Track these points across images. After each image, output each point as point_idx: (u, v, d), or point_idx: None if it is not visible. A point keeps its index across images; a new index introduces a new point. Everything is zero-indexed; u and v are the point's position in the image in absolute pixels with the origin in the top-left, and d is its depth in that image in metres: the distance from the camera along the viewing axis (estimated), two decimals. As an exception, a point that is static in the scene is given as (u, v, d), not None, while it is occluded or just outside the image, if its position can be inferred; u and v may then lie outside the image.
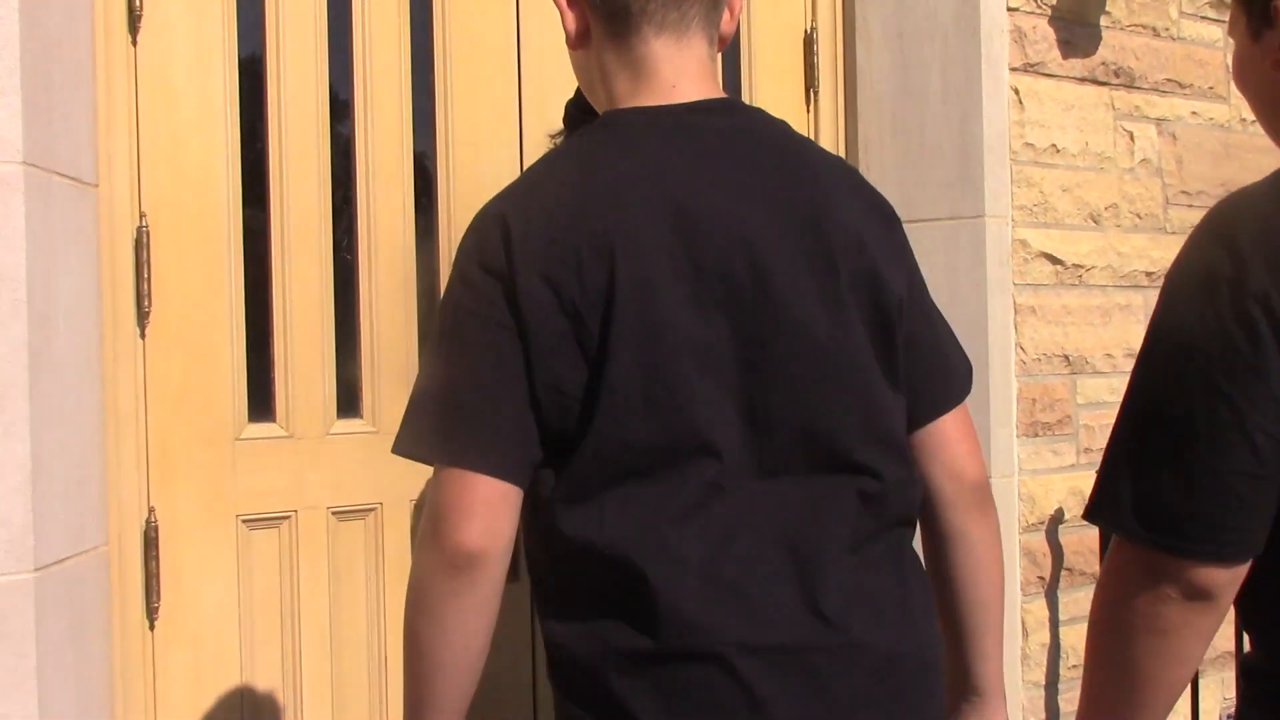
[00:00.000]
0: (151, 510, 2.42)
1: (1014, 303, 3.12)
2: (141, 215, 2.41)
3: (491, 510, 1.32)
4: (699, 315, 1.37)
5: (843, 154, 3.22)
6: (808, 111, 3.20)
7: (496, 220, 1.39)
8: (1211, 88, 3.53)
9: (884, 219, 1.50)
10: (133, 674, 2.40)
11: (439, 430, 1.35)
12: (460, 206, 2.75)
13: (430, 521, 1.34)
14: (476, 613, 1.35)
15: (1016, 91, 3.13)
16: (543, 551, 1.41)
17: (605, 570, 1.36)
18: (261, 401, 2.58)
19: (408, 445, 1.38)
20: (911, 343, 1.49)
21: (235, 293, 2.52)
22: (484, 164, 2.77)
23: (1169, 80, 3.43)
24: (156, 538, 2.42)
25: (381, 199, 2.67)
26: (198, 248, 2.48)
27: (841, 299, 1.41)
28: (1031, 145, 3.15)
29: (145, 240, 2.41)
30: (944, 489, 1.54)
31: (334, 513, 2.62)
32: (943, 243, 3.11)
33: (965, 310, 3.08)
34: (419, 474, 2.68)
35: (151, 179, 2.43)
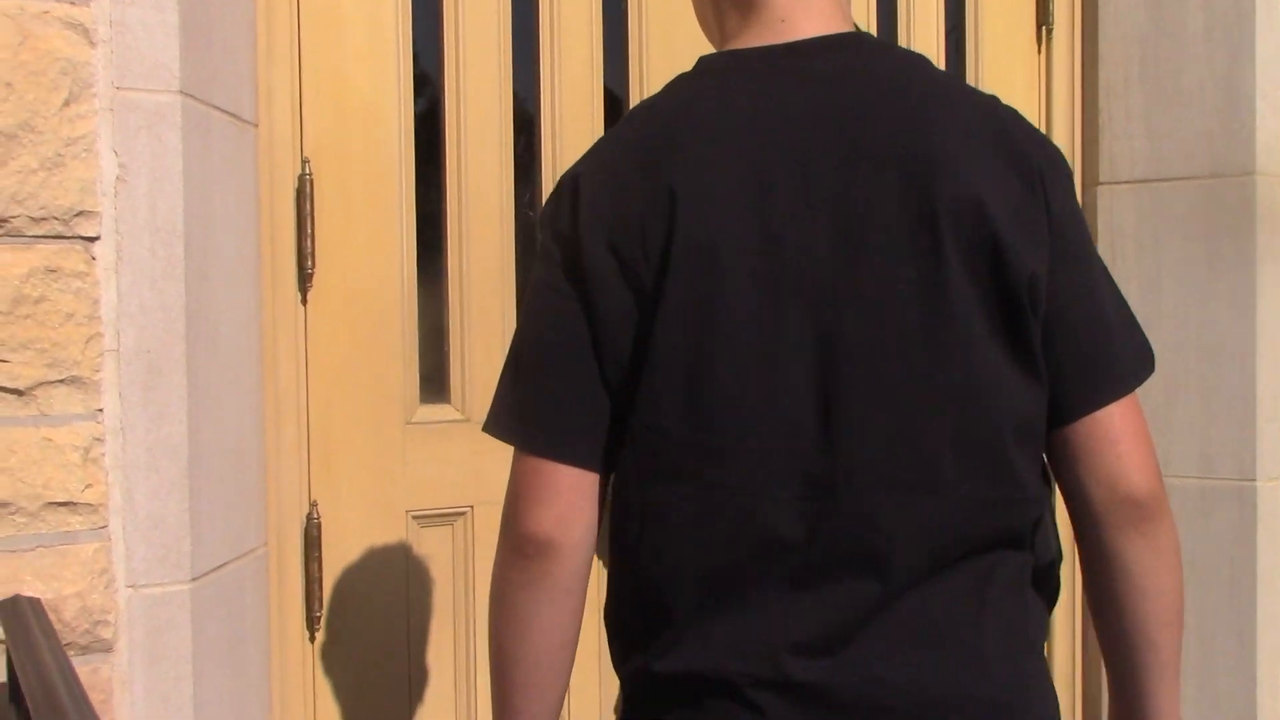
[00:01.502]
0: (314, 505, 2.09)
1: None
2: (304, 161, 2.08)
3: (563, 498, 1.23)
4: (764, 294, 1.17)
5: (1078, 101, 2.80)
6: (1039, 52, 2.78)
7: (570, 183, 1.26)
8: None
9: (1025, 175, 1.21)
10: (291, 692, 2.08)
11: (512, 411, 1.26)
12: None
13: (506, 508, 1.27)
14: (551, 605, 1.25)
15: (1293, 28, 2.67)
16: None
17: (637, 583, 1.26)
18: (434, 380, 2.24)
19: (490, 425, 1.30)
20: (1058, 323, 1.23)
21: (407, 254, 2.18)
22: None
23: None
24: (319, 537, 2.09)
25: (570, 146, 2.31)
26: (365, 200, 2.14)
27: (946, 279, 1.18)
28: (1308, 91, 2.70)
29: (309, 190, 2.07)
30: (1093, 500, 1.24)
31: (513, 509, 2.27)
32: (1201, 204, 2.67)
33: (1227, 284, 2.65)
34: (609, 465, 2.32)
35: (314, 119, 2.10)
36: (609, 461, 1.25)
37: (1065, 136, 2.79)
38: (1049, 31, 2.78)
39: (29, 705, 1.23)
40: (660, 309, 1.19)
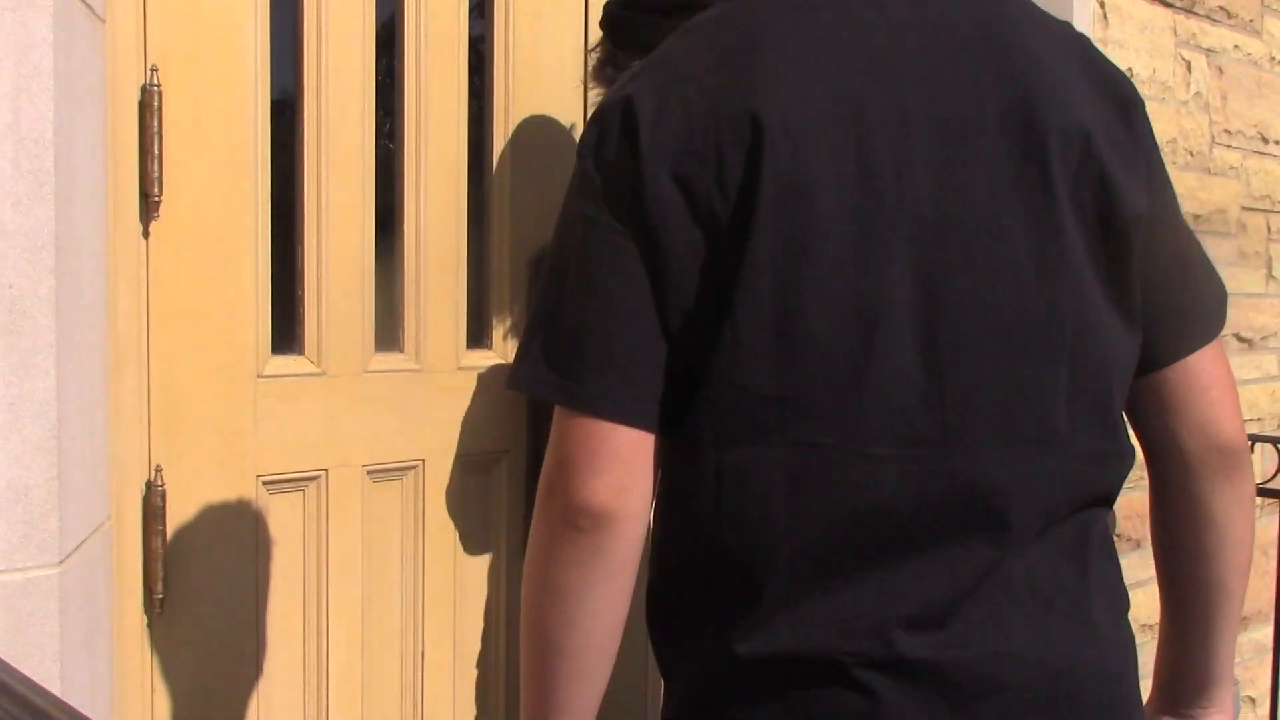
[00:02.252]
0: (157, 471, 1.81)
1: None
2: (152, 69, 1.77)
3: (621, 462, 1.07)
4: (861, 232, 1.07)
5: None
6: None
7: (621, 105, 1.10)
8: (1251, 20, 3.31)
9: (1120, 106, 1.17)
10: (129, 683, 1.79)
11: (557, 366, 1.10)
12: (520, 85, 2.20)
13: (549, 475, 1.10)
14: (606, 584, 1.10)
15: (1102, 5, 2.80)
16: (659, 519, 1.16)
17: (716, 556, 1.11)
18: (285, 329, 1.99)
19: (524, 381, 1.12)
20: (1152, 265, 1.18)
21: (261, 183, 1.91)
22: (545, 40, 2.23)
23: (1220, 8, 3.18)
24: (164, 507, 1.81)
25: (436, 69, 2.10)
26: (217, 119, 1.85)
27: (1057, 215, 1.10)
28: (1111, 67, 2.84)
29: (157, 103, 1.77)
30: (1185, 447, 1.22)
31: (369, 472, 2.06)
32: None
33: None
34: (474, 423, 2.15)
35: (162, 19, 1.79)
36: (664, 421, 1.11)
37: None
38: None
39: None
40: (745, 251, 1.05)
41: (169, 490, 1.81)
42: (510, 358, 2.22)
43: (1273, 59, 3.38)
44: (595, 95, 2.11)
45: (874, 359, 1.05)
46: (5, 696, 0.92)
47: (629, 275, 1.07)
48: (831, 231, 1.05)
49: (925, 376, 1.07)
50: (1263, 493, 2.44)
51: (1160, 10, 2.98)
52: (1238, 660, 3.33)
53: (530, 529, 1.12)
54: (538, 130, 2.23)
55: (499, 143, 2.20)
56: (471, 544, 2.19)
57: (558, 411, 1.10)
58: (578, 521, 1.07)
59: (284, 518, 1.97)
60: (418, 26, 2.08)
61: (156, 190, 1.78)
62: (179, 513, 1.83)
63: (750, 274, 1.04)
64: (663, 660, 1.17)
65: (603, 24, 2.02)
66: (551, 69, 2.24)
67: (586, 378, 1.07)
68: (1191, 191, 3.14)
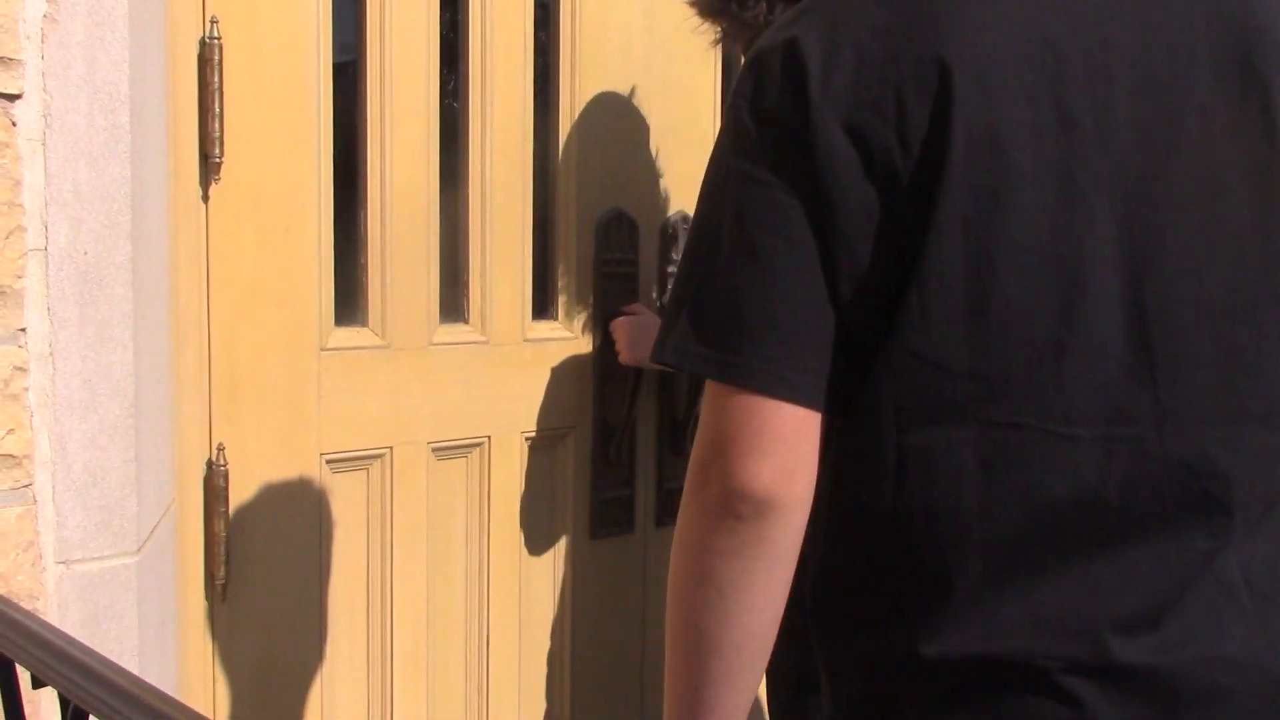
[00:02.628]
0: (219, 450, 1.70)
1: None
2: (212, 21, 1.66)
3: (785, 443, 0.98)
4: (1061, 190, 0.97)
5: None
6: None
7: (784, 49, 0.99)
8: None
9: None
10: (193, 671, 1.70)
11: (713, 338, 1.00)
12: (586, 42, 2.09)
13: (705, 458, 1.00)
14: (766, 576, 1.00)
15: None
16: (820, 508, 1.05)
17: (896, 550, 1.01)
18: (349, 300, 1.88)
19: (673, 353, 1.02)
20: None
21: (324, 147, 1.80)
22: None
23: None
24: (226, 488, 1.71)
25: (501, 27, 1.98)
26: (279, 77, 1.74)
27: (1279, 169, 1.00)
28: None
29: (217, 56, 1.66)
30: None
31: (435, 449, 1.96)
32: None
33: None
34: (539, 398, 2.05)
35: (222, -30, 1.68)
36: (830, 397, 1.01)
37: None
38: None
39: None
40: (932, 211, 0.95)
41: (231, 470, 1.71)
42: (576, 329, 2.11)
43: None
44: (710, 34, 1.98)
45: (1076, 329, 0.95)
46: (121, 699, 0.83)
47: (795, 237, 0.96)
48: (1028, 189, 0.95)
49: (1132, 348, 0.97)
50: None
51: None
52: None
53: (680, 516, 1.02)
54: (603, 90, 2.12)
55: (564, 103, 2.08)
56: (537, 525, 2.10)
57: (712, 388, 1.00)
58: (738, 508, 0.98)
59: (348, 497, 1.87)
60: (483, -22, 1.97)
61: (217, 151, 1.66)
62: (240, 493, 1.73)
63: (939, 236, 0.94)
64: (827, 657, 1.08)
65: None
66: (618, 26, 2.13)
67: (746, 350, 0.97)
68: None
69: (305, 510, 1.81)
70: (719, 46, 1.94)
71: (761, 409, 0.97)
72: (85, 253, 1.27)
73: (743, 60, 1.89)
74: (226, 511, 1.70)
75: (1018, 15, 0.97)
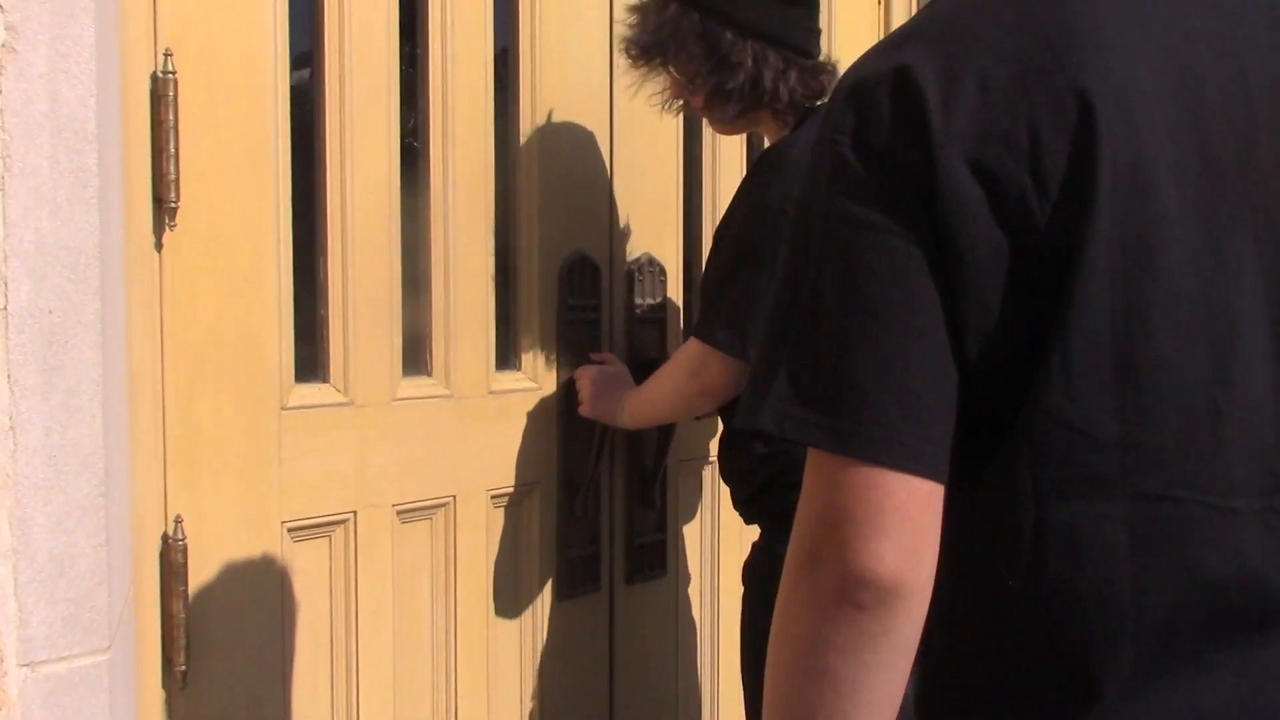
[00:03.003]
0: (178, 522, 1.55)
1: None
2: (165, 53, 1.52)
3: (911, 522, 0.88)
4: (1208, 234, 0.90)
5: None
6: (878, 4, 2.63)
7: (894, 79, 0.90)
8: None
9: None
10: (146, 776, 1.53)
11: (823, 402, 0.89)
12: (547, 78, 1.99)
13: (813, 539, 0.89)
14: (889, 671, 0.89)
15: None
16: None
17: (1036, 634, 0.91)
18: (309, 354, 1.74)
19: (772, 419, 0.91)
20: None
21: (283, 188, 1.67)
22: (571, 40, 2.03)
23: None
24: (185, 564, 1.55)
25: (462, 57, 1.87)
26: (235, 113, 1.60)
27: None
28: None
29: (172, 92, 1.52)
30: None
31: (400, 512, 1.82)
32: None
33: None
34: (505, 453, 1.93)
35: (174, -1, 1.54)
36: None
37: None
38: (888, -18, 2.65)
39: None
40: (1076, 259, 0.86)
41: (190, 544, 1.56)
42: (541, 379, 2.00)
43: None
44: (638, 79, 1.89)
45: (1232, 389, 0.88)
46: None
47: (916, 288, 0.87)
48: (1177, 235, 0.87)
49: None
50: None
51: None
52: None
53: (782, 603, 0.91)
54: (565, 128, 2.02)
55: (525, 141, 1.98)
56: (504, 588, 1.97)
57: (822, 460, 0.89)
58: (858, 597, 0.87)
59: (310, 568, 1.72)
60: (443, 13, 1.85)
61: (173, 194, 1.52)
62: (200, 571, 1.58)
63: (1084, 286, 0.85)
64: None
65: None
66: (579, 62, 2.03)
67: (865, 416, 0.87)
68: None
69: (267, 586, 1.66)
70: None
71: (884, 483, 0.87)
72: (49, 312, 1.12)
73: (827, 92, 1.82)
74: (186, 591, 1.55)
75: (1157, 42, 0.90)
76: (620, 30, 2.02)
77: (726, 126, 1.92)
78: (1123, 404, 0.87)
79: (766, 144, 1.94)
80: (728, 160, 2.28)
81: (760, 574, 1.85)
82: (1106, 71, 0.87)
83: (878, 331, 0.87)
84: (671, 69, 1.85)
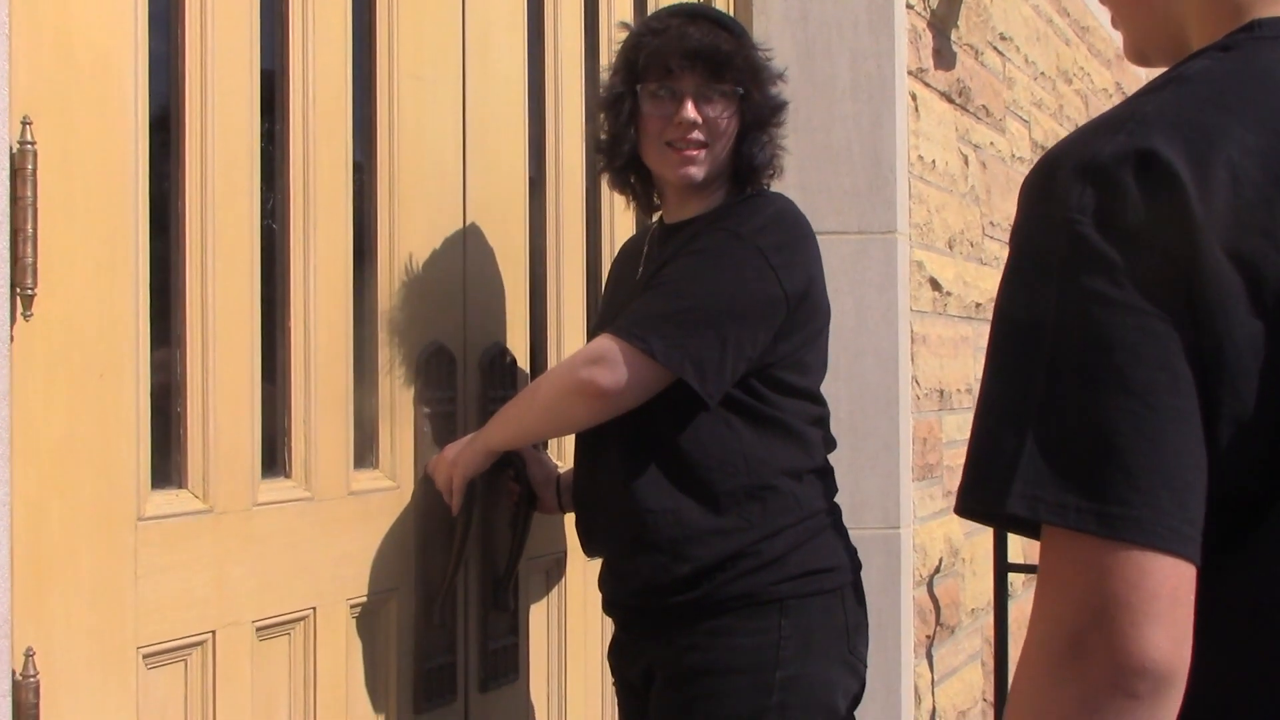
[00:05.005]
0: (29, 656, 1.34)
1: (911, 331, 2.81)
2: (23, 121, 1.34)
3: (1182, 607, 0.87)
4: None
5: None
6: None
7: (1139, 161, 0.89)
8: (1001, 119, 3.48)
9: None
10: None
11: (1078, 482, 0.87)
12: (405, 158, 1.89)
13: (1080, 627, 0.86)
14: None
15: (914, 98, 2.84)
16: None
17: None
18: (164, 456, 1.56)
19: (1023, 502, 0.87)
20: None
21: (141, 273, 1.50)
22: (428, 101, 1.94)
23: (982, 106, 3.33)
24: (37, 705, 1.34)
25: (323, 133, 1.76)
26: (95, 189, 1.43)
27: None
28: (921, 158, 2.88)
29: (31, 165, 1.34)
30: None
31: (259, 629, 1.65)
32: (851, 259, 2.72)
33: (872, 339, 2.72)
34: (364, 559, 1.80)
35: (31, 61, 1.37)
36: None
37: (722, 182, 2.70)
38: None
39: None
40: None
41: (42, 681, 1.35)
42: (399, 477, 1.87)
43: (1014, 156, 3.58)
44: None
45: None
46: None
47: (1179, 372, 0.86)
48: None
49: None
50: None
51: (945, 106, 3.06)
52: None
53: (1037, 701, 0.87)
54: (422, 212, 1.92)
55: (382, 219, 1.87)
56: (363, 706, 1.82)
57: (1080, 544, 0.86)
58: (1135, 687, 0.84)
59: (166, 696, 1.53)
60: (304, 86, 1.73)
61: (30, 281, 1.34)
62: (54, 710, 1.37)
63: None
64: None
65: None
66: (434, 143, 1.95)
67: (1132, 499, 0.84)
68: (973, 281, 3.23)
69: (124, 713, 1.46)
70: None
71: (1157, 569, 0.85)
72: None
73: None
74: (37, 736, 1.34)
75: None
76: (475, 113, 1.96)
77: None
78: None
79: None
80: (570, 246, 2.24)
81: (720, 670, 1.77)
82: None
83: (1142, 413, 0.85)
84: None
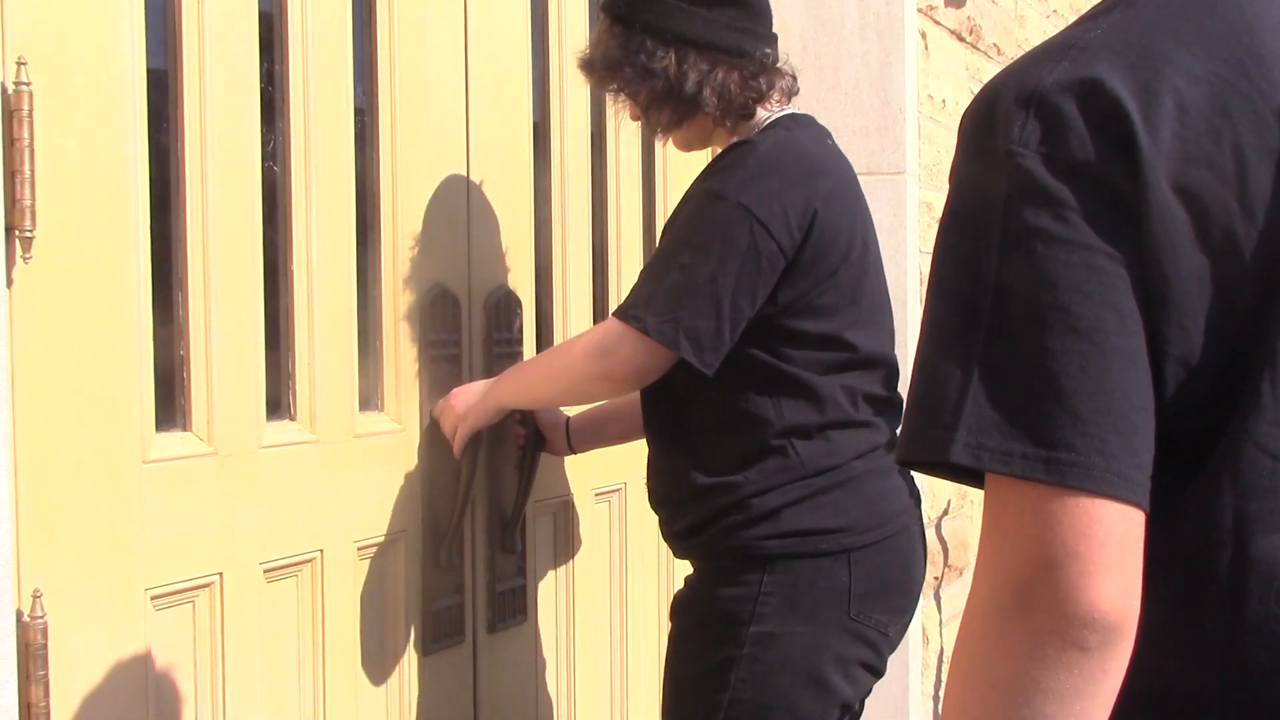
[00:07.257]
0: (36, 597, 1.35)
1: (920, 273, 2.79)
2: (18, 62, 1.33)
3: (1131, 555, 0.83)
4: None
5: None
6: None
7: (1084, 91, 0.85)
8: (1014, 58, 3.44)
9: None
10: None
11: (1025, 428, 0.83)
12: (406, 99, 1.87)
13: (1024, 576, 0.83)
14: (1103, 713, 0.84)
15: (924, 36, 2.80)
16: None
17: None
18: (168, 399, 1.56)
19: (967, 450, 0.83)
20: None
21: (141, 214, 1.49)
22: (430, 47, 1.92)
23: (994, 44, 3.29)
24: (45, 645, 1.35)
25: (321, 79, 1.74)
26: (94, 128, 1.42)
27: None
28: (931, 98, 2.84)
29: (27, 105, 1.33)
30: None
31: (267, 571, 1.66)
32: (859, 201, 2.69)
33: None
34: (371, 502, 1.80)
35: (25, 1, 1.35)
36: None
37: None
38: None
39: None
40: None
41: (51, 621, 1.36)
42: (405, 420, 1.87)
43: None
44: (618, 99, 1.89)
45: None
46: None
47: (1125, 311, 0.82)
48: None
49: None
50: None
51: (956, 44, 3.02)
52: None
53: (979, 651, 0.84)
54: (423, 153, 1.91)
55: (385, 161, 1.85)
56: (372, 647, 1.83)
57: (1026, 491, 0.82)
58: (1082, 638, 0.81)
59: (174, 638, 1.54)
60: (304, 26, 1.71)
61: (28, 223, 1.33)
62: (62, 651, 1.38)
63: None
64: None
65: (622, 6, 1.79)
66: (436, 83, 1.93)
67: (1080, 445, 0.81)
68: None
69: (132, 662, 1.47)
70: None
71: (1105, 516, 0.81)
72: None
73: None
74: (46, 676, 1.35)
75: None
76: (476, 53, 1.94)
77: (678, 140, 1.89)
78: None
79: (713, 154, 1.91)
80: (575, 186, 2.22)
81: (698, 615, 1.78)
82: None
83: (1090, 353, 0.82)
84: (613, 87, 1.81)
